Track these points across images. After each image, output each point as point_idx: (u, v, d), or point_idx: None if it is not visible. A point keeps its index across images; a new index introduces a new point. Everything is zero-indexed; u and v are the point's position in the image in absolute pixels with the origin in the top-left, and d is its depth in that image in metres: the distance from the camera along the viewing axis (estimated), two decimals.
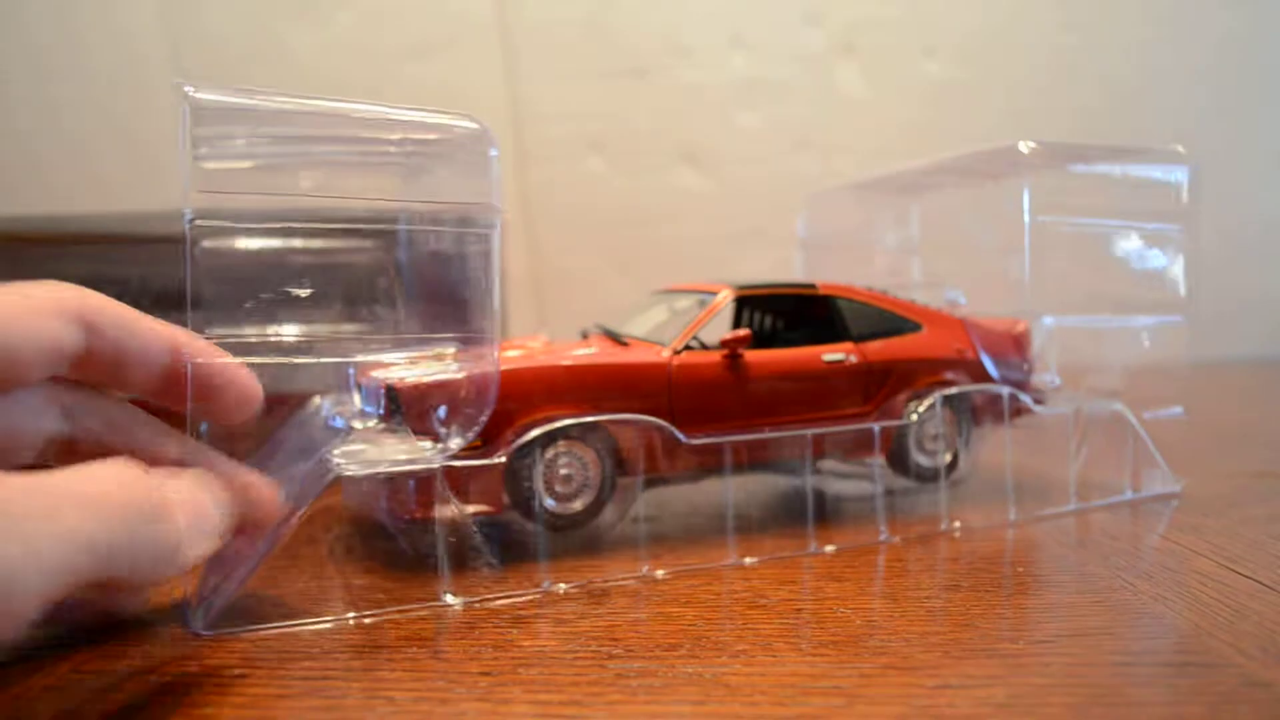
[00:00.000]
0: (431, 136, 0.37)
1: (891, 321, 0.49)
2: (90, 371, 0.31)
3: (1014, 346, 0.52)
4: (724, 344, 0.44)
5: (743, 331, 0.44)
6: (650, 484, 0.43)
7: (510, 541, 0.42)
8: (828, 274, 0.51)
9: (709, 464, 0.43)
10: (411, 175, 0.41)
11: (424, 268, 0.42)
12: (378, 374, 0.41)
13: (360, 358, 0.41)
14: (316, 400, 0.46)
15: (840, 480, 0.50)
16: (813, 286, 0.49)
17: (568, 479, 0.41)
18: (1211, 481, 0.54)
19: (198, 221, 0.32)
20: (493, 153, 0.36)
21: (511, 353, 0.43)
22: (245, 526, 0.32)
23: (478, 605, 0.35)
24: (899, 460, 0.49)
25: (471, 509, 0.38)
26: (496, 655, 0.30)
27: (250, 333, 0.35)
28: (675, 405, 0.42)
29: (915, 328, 0.50)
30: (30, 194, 1.06)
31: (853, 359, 0.47)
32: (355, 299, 0.45)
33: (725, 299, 0.47)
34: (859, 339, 0.48)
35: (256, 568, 0.33)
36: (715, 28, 1.22)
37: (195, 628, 0.32)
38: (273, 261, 0.39)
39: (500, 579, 0.38)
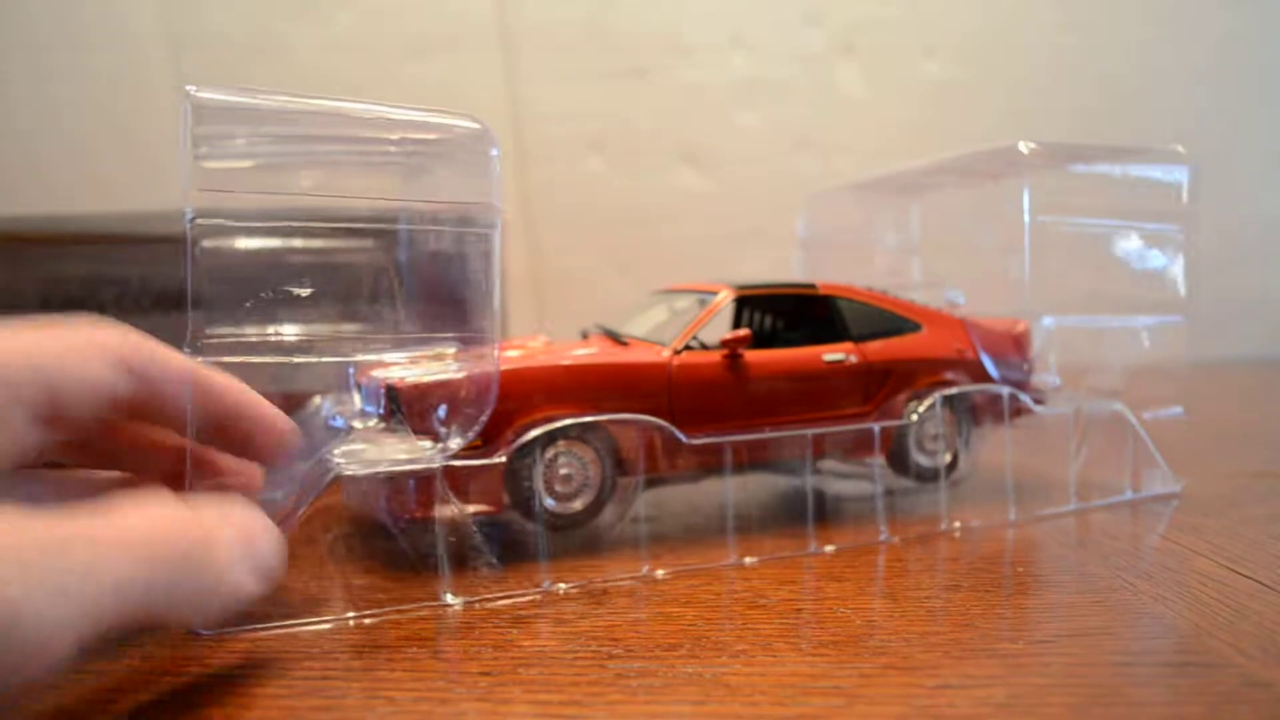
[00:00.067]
0: (432, 136, 0.37)
1: (891, 321, 0.49)
2: (128, 412, 0.31)
3: (1014, 346, 0.52)
4: (724, 344, 0.44)
5: (743, 331, 0.44)
6: (650, 484, 0.43)
7: (510, 541, 0.42)
8: (827, 274, 0.51)
9: (709, 464, 0.43)
10: (412, 175, 0.41)
11: (424, 268, 0.42)
12: (378, 374, 0.41)
13: (360, 357, 0.42)
14: (316, 400, 0.46)
15: (840, 480, 0.50)
16: (813, 286, 0.49)
17: (568, 479, 0.41)
18: (1212, 481, 0.54)
19: (198, 221, 0.32)
20: (494, 152, 0.36)
21: (511, 353, 0.43)
22: (259, 454, 0.33)
23: (478, 605, 0.35)
24: (899, 460, 0.49)
25: (471, 509, 0.38)
26: (496, 655, 0.30)
27: (250, 332, 0.35)
28: (675, 405, 0.42)
29: (915, 328, 0.50)
30: (30, 194, 1.06)
31: (853, 359, 0.47)
32: (356, 299, 0.45)
33: (725, 299, 0.47)
34: (859, 339, 0.48)
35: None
36: (715, 28, 1.22)
37: (195, 627, 0.32)
38: (273, 261, 0.39)
39: (500, 579, 0.38)
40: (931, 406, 0.48)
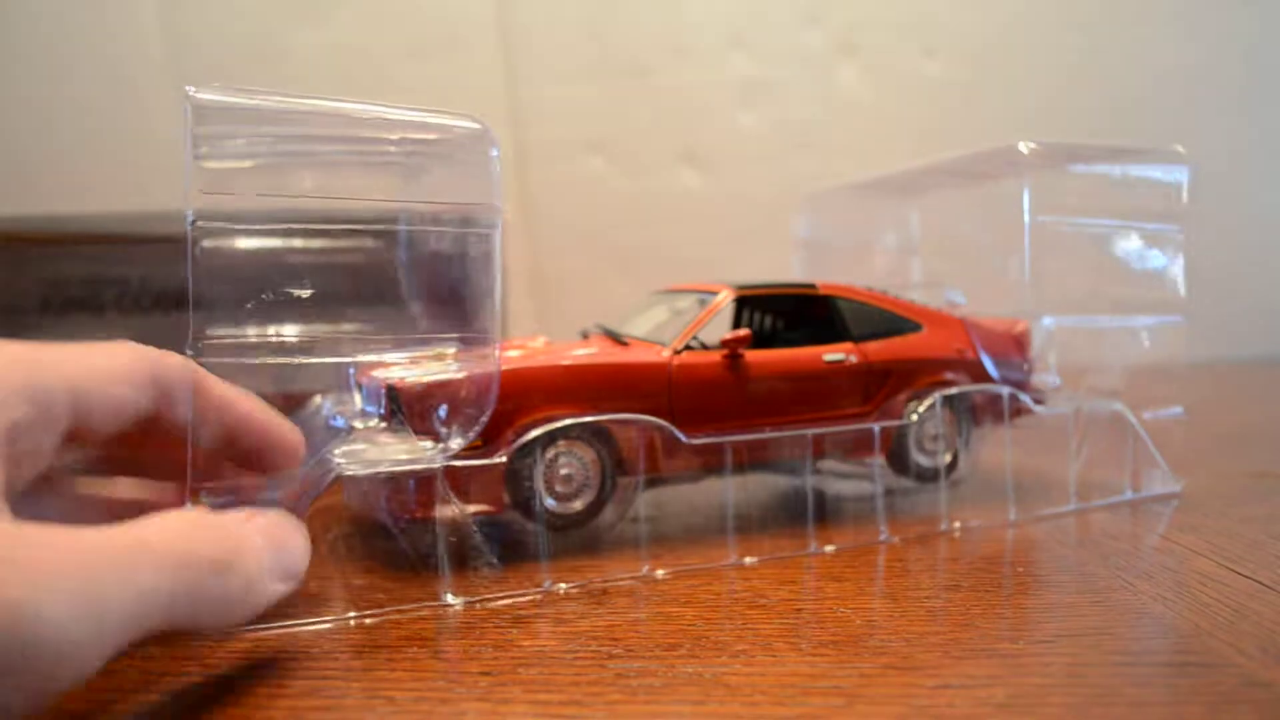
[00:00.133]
0: (432, 136, 0.37)
1: (891, 321, 0.49)
2: (154, 431, 0.31)
3: (1014, 346, 0.52)
4: (724, 344, 0.44)
5: (743, 331, 0.44)
6: (650, 484, 0.43)
7: (510, 541, 0.42)
8: (826, 274, 0.51)
9: (709, 464, 0.43)
10: (412, 175, 0.41)
11: (425, 268, 0.42)
12: (378, 374, 0.41)
13: (361, 358, 0.42)
14: (316, 400, 0.46)
15: (840, 480, 0.50)
16: (813, 286, 0.49)
17: (568, 479, 0.41)
18: (1212, 481, 0.54)
19: (199, 222, 0.32)
20: (494, 153, 0.36)
21: (511, 353, 0.43)
22: (270, 468, 0.33)
23: (479, 605, 0.35)
24: (899, 460, 0.49)
25: (472, 509, 0.38)
26: (496, 655, 0.30)
27: (251, 333, 0.35)
28: (675, 405, 0.42)
29: (915, 328, 0.50)
30: (30, 194, 1.06)
31: (853, 359, 0.47)
32: (356, 299, 0.45)
33: (725, 299, 0.47)
34: (859, 339, 0.48)
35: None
36: (715, 28, 1.22)
37: (223, 634, 0.32)
38: (274, 262, 0.39)
39: (501, 579, 0.38)
40: (931, 407, 0.48)
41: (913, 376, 0.48)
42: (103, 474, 0.33)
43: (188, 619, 0.25)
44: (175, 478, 0.33)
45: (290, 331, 0.37)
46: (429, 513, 0.37)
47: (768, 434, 0.43)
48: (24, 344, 0.27)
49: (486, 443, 0.38)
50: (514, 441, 0.39)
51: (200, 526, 0.26)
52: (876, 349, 0.48)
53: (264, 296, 0.36)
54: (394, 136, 0.37)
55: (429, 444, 0.37)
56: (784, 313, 0.56)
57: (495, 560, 0.39)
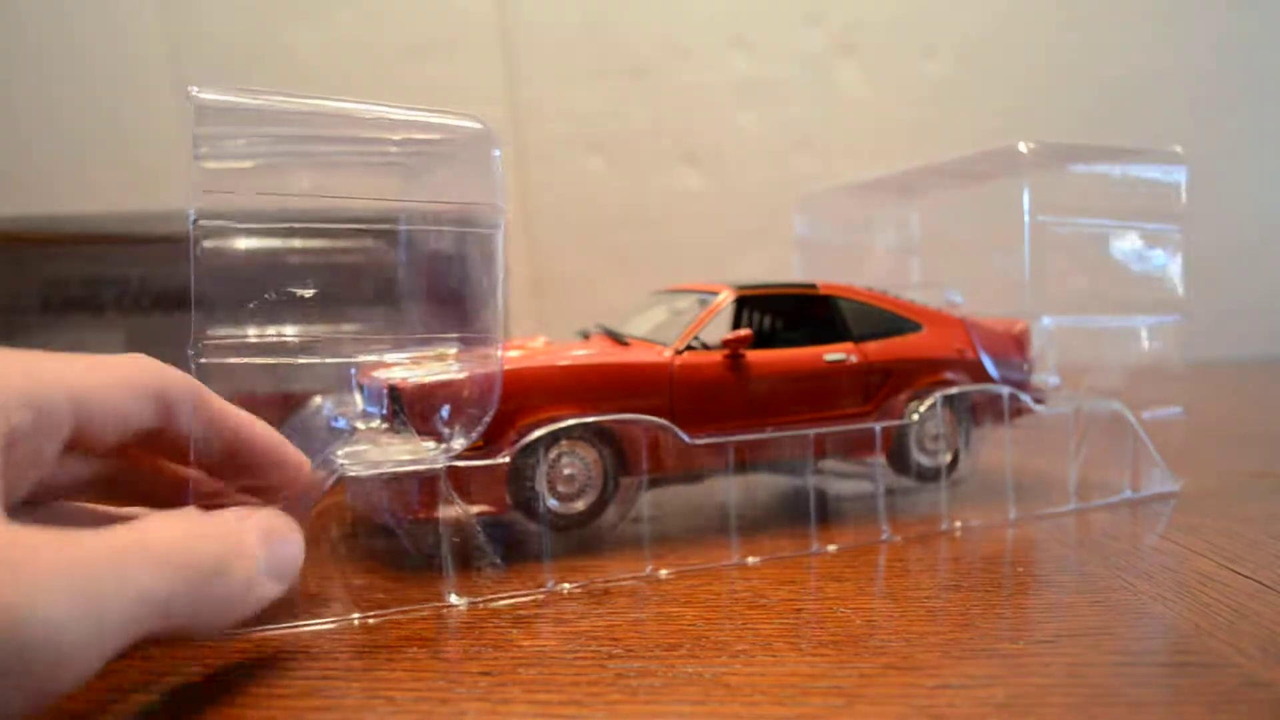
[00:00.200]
0: (435, 136, 0.37)
1: (892, 321, 0.49)
2: (154, 447, 0.31)
3: (1014, 346, 0.52)
4: (725, 344, 0.44)
5: (744, 331, 0.44)
6: (653, 484, 0.43)
7: (512, 542, 0.42)
8: (825, 274, 0.51)
9: (711, 464, 0.43)
10: (415, 175, 0.41)
11: (428, 268, 0.42)
12: (380, 374, 0.41)
13: (363, 358, 0.42)
14: (316, 401, 0.46)
15: (840, 480, 0.50)
16: (813, 286, 0.49)
17: (570, 479, 0.41)
18: (1211, 481, 0.54)
19: (201, 221, 0.32)
20: (496, 153, 0.36)
21: (512, 353, 0.43)
22: (272, 488, 0.33)
23: (482, 606, 0.35)
24: (900, 460, 0.49)
25: (475, 509, 0.38)
26: (496, 655, 0.30)
27: (253, 333, 0.35)
28: (677, 405, 0.42)
29: (915, 328, 0.50)
30: (30, 194, 1.06)
31: (853, 359, 0.47)
32: (359, 299, 0.45)
33: (726, 299, 0.47)
34: (859, 339, 0.48)
35: None
36: (715, 28, 1.22)
37: (220, 636, 0.32)
38: (276, 261, 0.39)
39: (504, 579, 0.38)
40: (932, 406, 0.48)
41: (913, 376, 0.48)
42: (101, 491, 0.33)
43: (185, 620, 0.24)
44: (174, 499, 0.33)
45: (292, 332, 0.37)
46: (432, 513, 0.37)
47: (771, 434, 0.43)
48: (28, 352, 0.27)
49: (488, 443, 0.38)
50: (517, 442, 0.39)
51: (198, 527, 0.26)
52: (877, 349, 0.48)
53: (266, 297, 0.36)
54: (396, 136, 0.37)
55: (431, 444, 0.37)
56: (784, 313, 0.56)
57: (499, 561, 0.39)
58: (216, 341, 0.33)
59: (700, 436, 0.42)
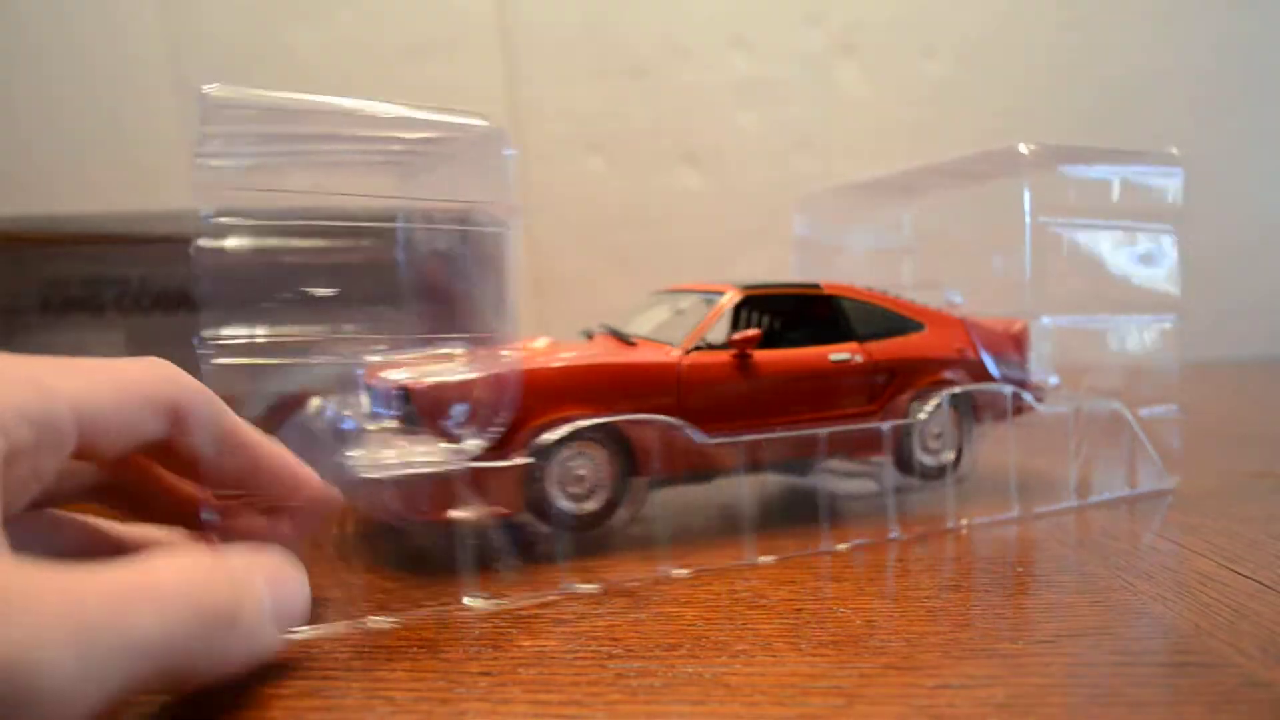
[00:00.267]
0: (446, 136, 0.37)
1: (894, 321, 0.50)
2: (162, 458, 0.30)
3: (1012, 346, 0.52)
4: (733, 343, 0.44)
5: (753, 331, 0.44)
6: (663, 484, 0.43)
7: (526, 543, 0.42)
8: (824, 274, 0.52)
9: (722, 463, 0.43)
10: (425, 174, 0.41)
11: (439, 267, 0.41)
12: (390, 375, 0.40)
13: (372, 358, 0.41)
14: (315, 402, 0.46)
15: (841, 479, 0.50)
16: (817, 286, 0.49)
17: (581, 479, 0.41)
18: (1211, 481, 0.54)
19: (214, 220, 0.31)
20: (507, 152, 0.36)
21: (518, 354, 0.43)
22: (293, 516, 0.33)
23: (499, 607, 0.35)
24: (903, 459, 0.49)
25: (490, 511, 0.38)
26: (496, 655, 0.30)
27: (259, 332, 0.35)
28: (685, 405, 0.42)
29: (917, 327, 0.50)
30: (30, 194, 1.06)
31: (858, 359, 0.47)
32: (368, 298, 0.45)
33: (733, 299, 0.47)
34: (863, 339, 0.48)
35: None
36: (715, 28, 1.22)
37: (218, 682, 0.32)
38: (283, 261, 0.39)
39: (520, 581, 0.37)
40: (939, 406, 0.48)
41: (916, 376, 0.49)
42: (104, 499, 0.32)
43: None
44: (179, 513, 0.33)
45: (299, 332, 0.37)
46: (446, 515, 0.36)
47: (784, 433, 0.43)
48: (32, 360, 0.26)
49: (499, 444, 0.38)
50: (531, 442, 0.39)
51: (208, 572, 0.25)
52: (880, 348, 0.48)
53: (275, 296, 0.36)
54: (409, 135, 0.37)
55: (448, 445, 0.37)
56: (789, 312, 0.56)
57: (515, 562, 0.38)
58: (225, 342, 0.33)
59: (716, 436, 0.42)
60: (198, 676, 0.24)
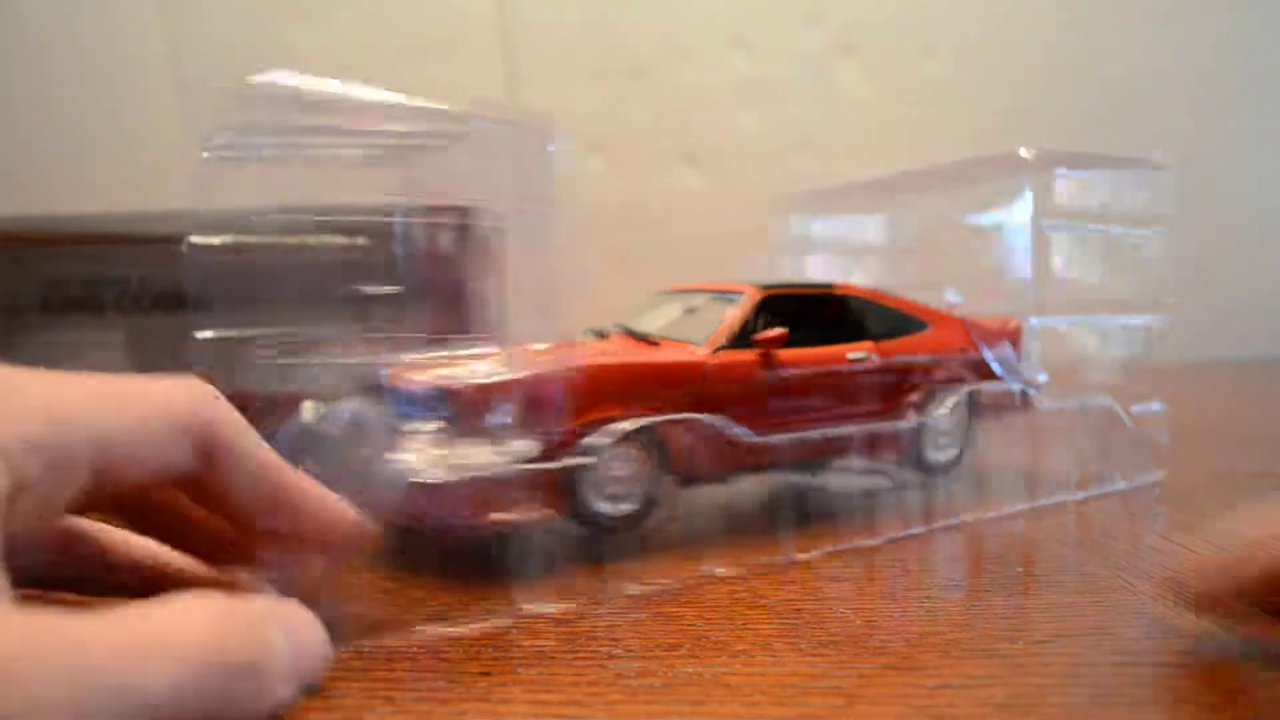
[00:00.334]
0: (483, 130, 0.37)
1: (902, 320, 0.51)
2: (189, 489, 0.28)
3: (1008, 344, 0.53)
4: (758, 342, 0.44)
5: (779, 331, 0.45)
6: (695, 482, 0.43)
7: (565, 546, 0.41)
8: (817, 275, 0.52)
9: (757, 462, 0.43)
10: (463, 170, 0.40)
11: (477, 264, 0.41)
12: (422, 376, 0.39)
13: (400, 358, 0.40)
14: (309, 405, 0.45)
15: (853, 477, 0.51)
16: (829, 286, 0.50)
17: (620, 480, 0.40)
18: (1211, 481, 0.54)
19: (261, 217, 0.31)
20: (550, 149, 0.36)
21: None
22: (321, 552, 0.30)
23: (554, 612, 0.34)
24: (914, 456, 0.49)
25: (535, 514, 0.37)
26: (496, 655, 0.30)
27: (275, 333, 0.34)
28: (711, 403, 0.43)
29: (923, 326, 0.51)
30: (30, 194, 1.06)
31: (873, 357, 0.48)
32: (396, 297, 0.44)
33: (754, 298, 0.47)
34: (876, 338, 0.49)
35: None
36: (715, 28, 1.22)
37: None
38: (308, 260, 0.38)
39: (567, 584, 0.37)
40: (958, 403, 0.49)
41: (925, 374, 0.50)
42: (121, 519, 0.31)
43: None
44: (201, 544, 0.31)
45: (315, 333, 0.36)
46: (490, 519, 0.36)
47: (826, 431, 0.44)
48: (49, 378, 0.24)
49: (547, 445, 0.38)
50: (574, 443, 0.38)
51: (227, 621, 0.22)
52: (892, 347, 0.49)
53: (295, 296, 0.35)
54: (440, 128, 0.37)
55: (501, 448, 0.36)
56: (805, 312, 0.56)
57: (560, 565, 0.38)
58: (262, 344, 0.32)
59: (760, 435, 0.42)
60: None
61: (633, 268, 1.21)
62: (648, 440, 0.41)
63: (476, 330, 0.37)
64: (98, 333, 0.61)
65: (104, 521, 0.31)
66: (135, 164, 1.07)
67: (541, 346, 0.46)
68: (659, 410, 0.41)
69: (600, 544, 0.40)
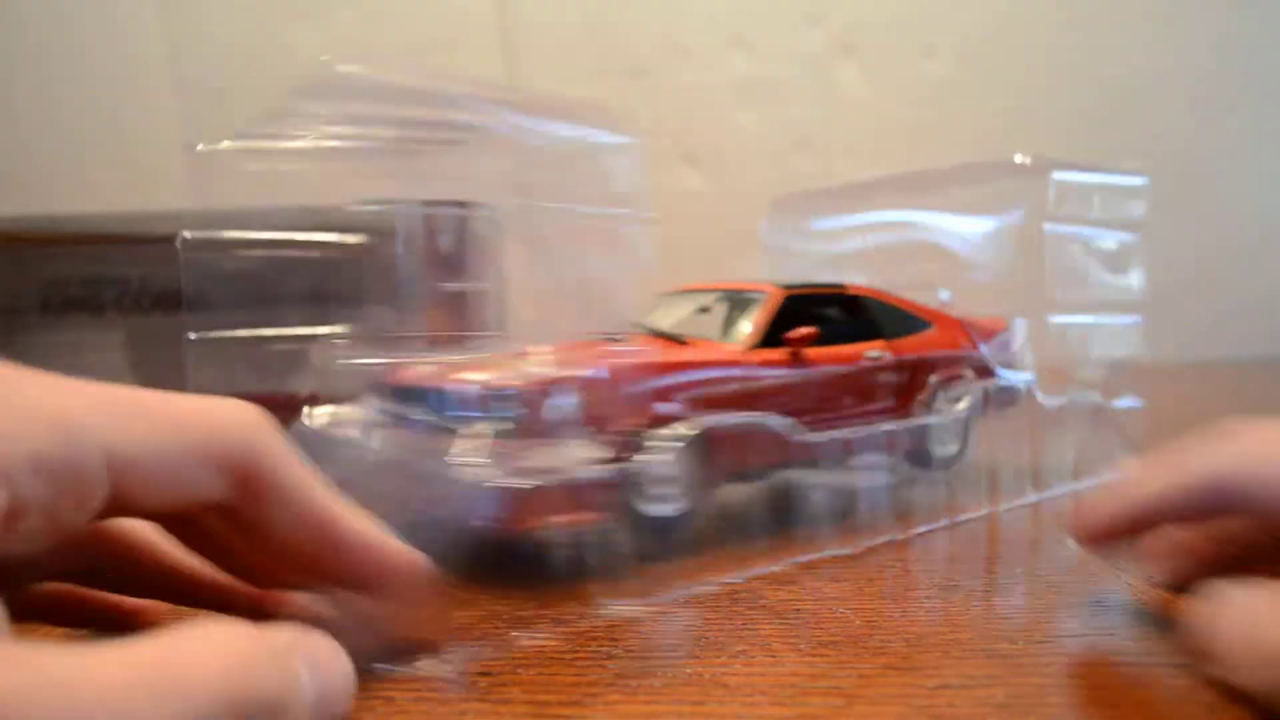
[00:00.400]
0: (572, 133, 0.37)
1: (910, 320, 0.52)
2: (222, 519, 0.25)
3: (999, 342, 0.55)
4: (789, 341, 0.45)
5: (810, 330, 0.45)
6: (738, 480, 0.44)
7: (615, 545, 0.40)
8: (815, 276, 0.53)
9: (799, 459, 0.44)
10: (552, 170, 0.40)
11: (484, 263, 0.40)
12: (476, 375, 0.39)
13: (457, 356, 0.40)
14: (329, 410, 0.44)
15: (850, 474, 0.51)
16: (841, 286, 0.50)
17: (670, 480, 0.40)
18: None
19: (366, 207, 0.30)
20: (636, 158, 0.36)
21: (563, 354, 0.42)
22: (375, 593, 0.28)
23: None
24: (920, 452, 0.50)
25: (592, 516, 0.37)
26: (496, 655, 0.30)
27: (293, 331, 0.34)
28: (745, 401, 0.43)
29: (927, 325, 0.52)
30: (30, 194, 1.06)
31: (888, 356, 0.49)
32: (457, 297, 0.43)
33: (778, 297, 0.47)
34: (889, 337, 0.50)
35: None
36: (715, 28, 1.22)
37: None
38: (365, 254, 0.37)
39: (632, 583, 0.36)
40: (973, 400, 0.50)
41: (933, 371, 0.51)
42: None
43: None
44: (244, 573, 0.29)
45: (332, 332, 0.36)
46: (540, 522, 0.35)
47: (867, 429, 0.45)
48: (70, 386, 0.22)
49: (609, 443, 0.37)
50: (632, 443, 0.38)
51: (249, 652, 0.20)
52: (904, 346, 0.50)
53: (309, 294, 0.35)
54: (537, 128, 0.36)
55: (569, 449, 0.36)
56: (820, 312, 0.56)
57: (631, 564, 0.37)
58: (335, 344, 0.32)
59: (807, 434, 0.43)
60: None
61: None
62: (696, 439, 0.41)
63: (485, 330, 0.37)
64: (98, 333, 0.61)
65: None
66: (135, 164, 1.07)
67: (569, 344, 0.45)
68: (705, 408, 0.41)
69: (649, 544, 0.39)
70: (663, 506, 0.40)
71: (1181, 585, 0.31)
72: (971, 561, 0.40)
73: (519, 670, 0.29)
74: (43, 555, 0.25)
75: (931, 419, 0.48)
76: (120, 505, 0.22)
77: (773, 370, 0.44)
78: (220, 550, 0.28)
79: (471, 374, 0.39)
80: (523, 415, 0.36)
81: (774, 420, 0.42)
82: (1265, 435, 0.30)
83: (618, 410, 0.37)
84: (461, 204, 0.47)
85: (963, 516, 0.46)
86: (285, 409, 0.41)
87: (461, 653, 0.30)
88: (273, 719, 0.20)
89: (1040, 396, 0.52)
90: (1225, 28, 1.33)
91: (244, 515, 0.25)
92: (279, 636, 0.22)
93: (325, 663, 0.23)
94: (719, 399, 0.42)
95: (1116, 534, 0.32)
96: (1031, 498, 0.48)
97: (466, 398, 0.38)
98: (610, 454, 0.37)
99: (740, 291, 0.48)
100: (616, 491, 0.38)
